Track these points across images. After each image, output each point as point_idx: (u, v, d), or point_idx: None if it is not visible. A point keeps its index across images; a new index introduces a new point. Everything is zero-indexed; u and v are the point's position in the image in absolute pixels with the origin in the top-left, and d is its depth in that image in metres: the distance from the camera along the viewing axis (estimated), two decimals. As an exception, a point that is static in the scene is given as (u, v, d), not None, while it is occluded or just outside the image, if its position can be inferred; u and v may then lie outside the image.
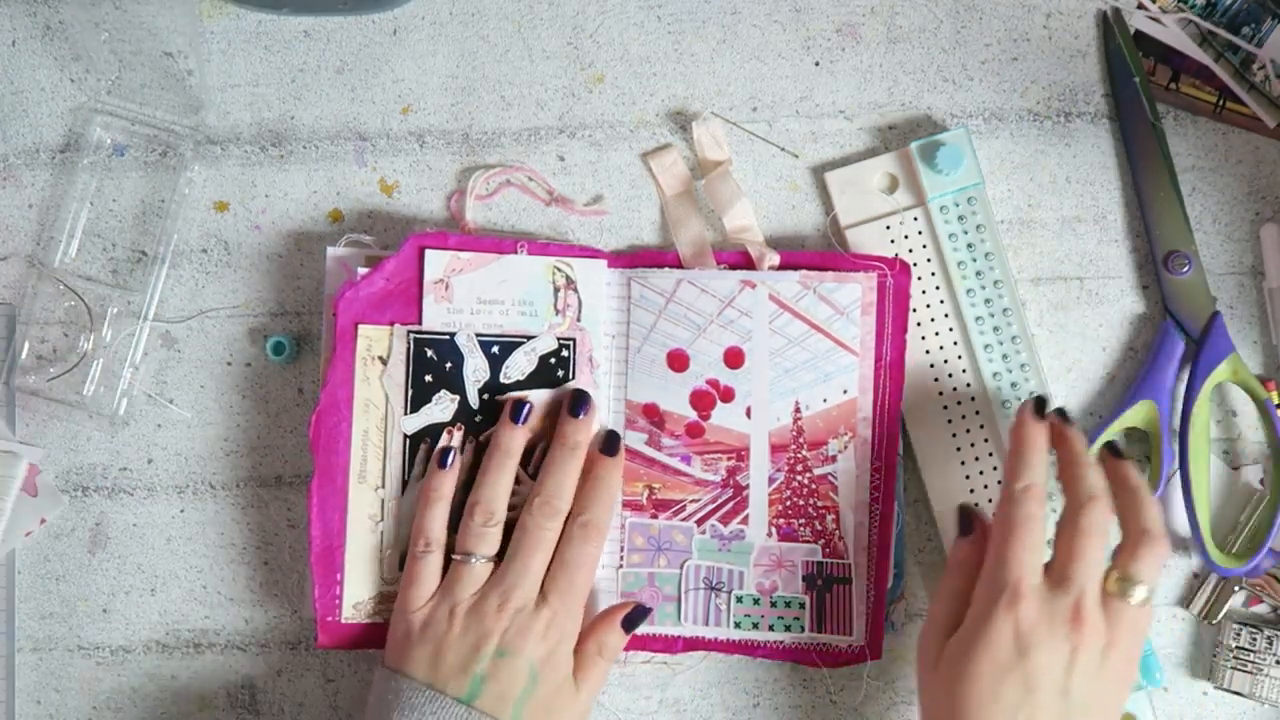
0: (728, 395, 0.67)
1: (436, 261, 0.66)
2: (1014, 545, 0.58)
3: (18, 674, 0.70)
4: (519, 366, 0.67)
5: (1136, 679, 0.64)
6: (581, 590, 0.63)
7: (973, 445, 0.68)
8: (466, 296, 0.66)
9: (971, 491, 0.68)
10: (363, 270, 0.66)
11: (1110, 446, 0.63)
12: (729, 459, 0.67)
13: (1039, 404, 0.63)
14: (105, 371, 0.70)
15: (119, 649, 0.70)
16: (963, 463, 0.68)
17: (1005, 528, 0.59)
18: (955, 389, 0.69)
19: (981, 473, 0.68)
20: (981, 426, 0.68)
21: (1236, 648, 0.68)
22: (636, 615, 0.65)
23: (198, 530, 0.70)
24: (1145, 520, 0.59)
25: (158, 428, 0.71)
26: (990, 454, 0.68)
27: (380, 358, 0.66)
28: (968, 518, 0.63)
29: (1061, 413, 0.63)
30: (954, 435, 0.68)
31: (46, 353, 0.70)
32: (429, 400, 0.66)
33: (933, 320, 0.69)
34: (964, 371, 0.68)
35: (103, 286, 0.70)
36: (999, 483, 0.68)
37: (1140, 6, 0.70)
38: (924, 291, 0.69)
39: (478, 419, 0.67)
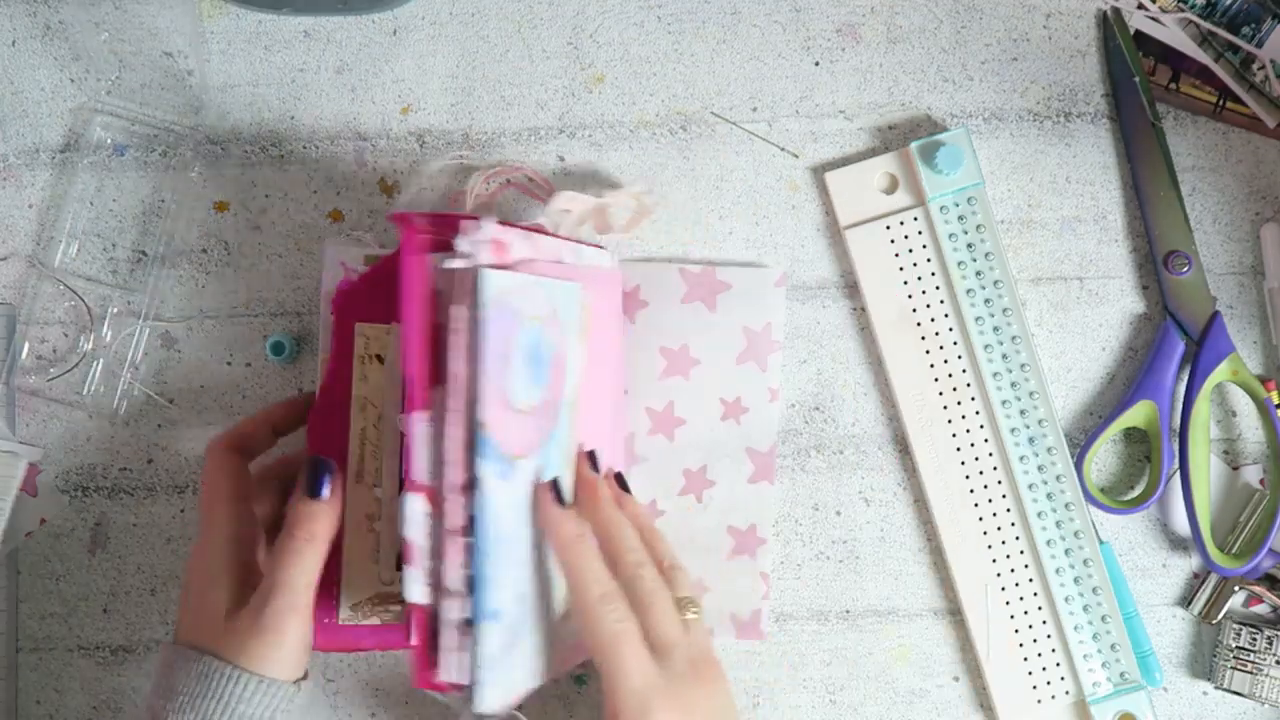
0: None
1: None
2: (627, 659, 0.56)
3: (18, 674, 0.70)
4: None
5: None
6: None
7: (972, 445, 0.68)
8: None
9: (971, 492, 0.68)
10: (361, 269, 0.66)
11: (619, 477, 0.64)
12: None
13: (556, 488, 0.59)
14: (105, 371, 0.70)
15: (119, 649, 0.70)
16: (962, 463, 0.68)
17: (605, 643, 0.56)
18: (955, 389, 0.68)
19: (981, 473, 0.68)
20: (981, 427, 0.68)
21: (1236, 648, 0.68)
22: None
23: (197, 530, 0.70)
24: (660, 551, 0.61)
25: (158, 428, 0.71)
26: (990, 454, 0.68)
27: (378, 356, 0.66)
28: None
29: (592, 457, 0.62)
30: (954, 435, 0.68)
31: (46, 353, 0.70)
32: None
33: (933, 320, 0.69)
34: (964, 372, 0.68)
35: (103, 286, 0.70)
36: (999, 482, 0.68)
37: (1140, 6, 0.70)
38: (924, 291, 0.69)
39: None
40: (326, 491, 0.60)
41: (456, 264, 0.56)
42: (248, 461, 0.63)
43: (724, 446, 0.69)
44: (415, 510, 0.56)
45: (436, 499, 0.56)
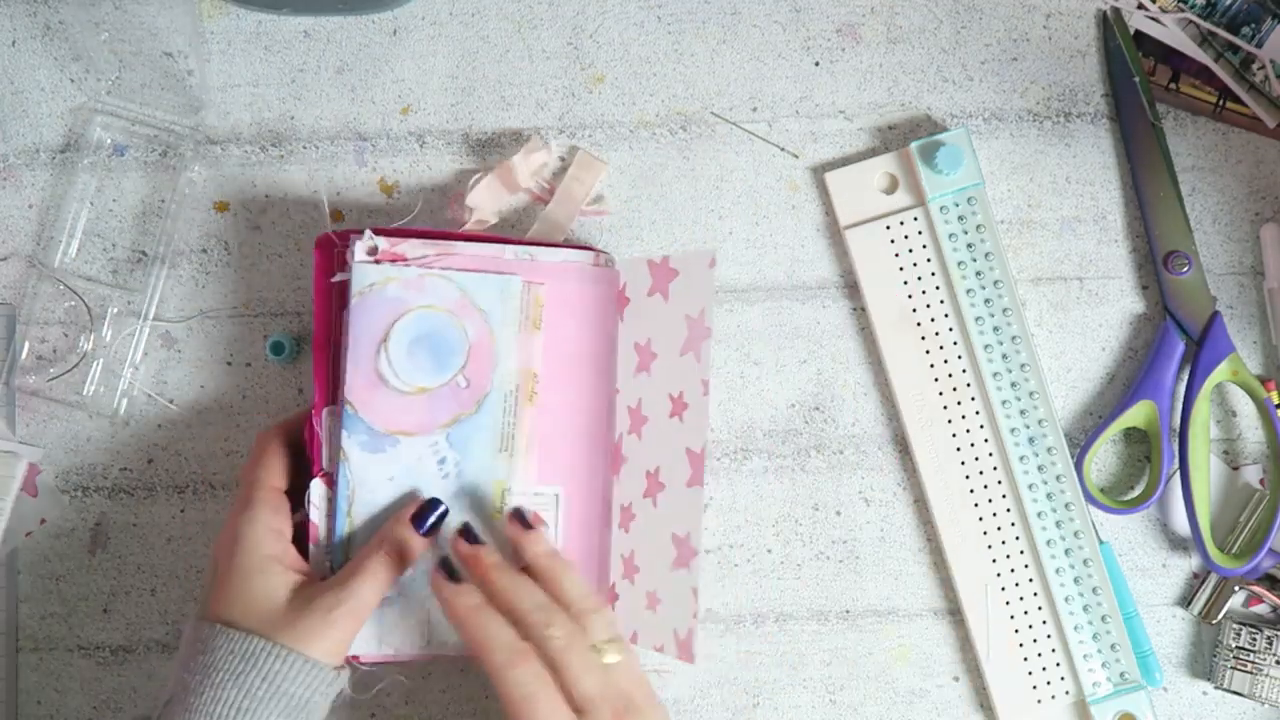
0: None
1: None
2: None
3: (18, 674, 0.70)
4: None
5: (662, 705, 0.61)
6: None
7: (973, 445, 0.68)
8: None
9: (971, 492, 0.68)
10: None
11: (518, 515, 0.63)
12: None
13: (447, 564, 0.61)
14: (105, 371, 0.70)
15: (119, 649, 0.70)
16: (963, 463, 0.68)
17: (516, 709, 0.57)
18: (955, 389, 0.68)
19: (981, 473, 0.68)
20: (981, 427, 0.68)
21: (1236, 648, 0.68)
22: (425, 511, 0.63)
23: (198, 530, 0.70)
24: (571, 595, 0.60)
25: (158, 428, 0.71)
26: (990, 454, 0.68)
27: None
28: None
29: (466, 531, 0.62)
30: (954, 435, 0.68)
31: (46, 353, 0.70)
32: None
33: (933, 320, 0.69)
34: (964, 372, 0.68)
35: (103, 286, 0.70)
36: (999, 482, 0.68)
37: (1140, 6, 0.70)
38: (924, 291, 0.69)
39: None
40: (428, 530, 0.63)
41: (341, 277, 0.64)
42: (292, 453, 0.65)
43: (671, 446, 0.65)
44: (318, 494, 0.64)
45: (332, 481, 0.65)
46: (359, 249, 0.64)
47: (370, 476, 0.64)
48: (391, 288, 0.64)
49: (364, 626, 0.62)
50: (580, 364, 0.66)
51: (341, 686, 0.61)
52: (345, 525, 0.64)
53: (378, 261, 0.64)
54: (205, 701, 0.58)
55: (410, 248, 0.65)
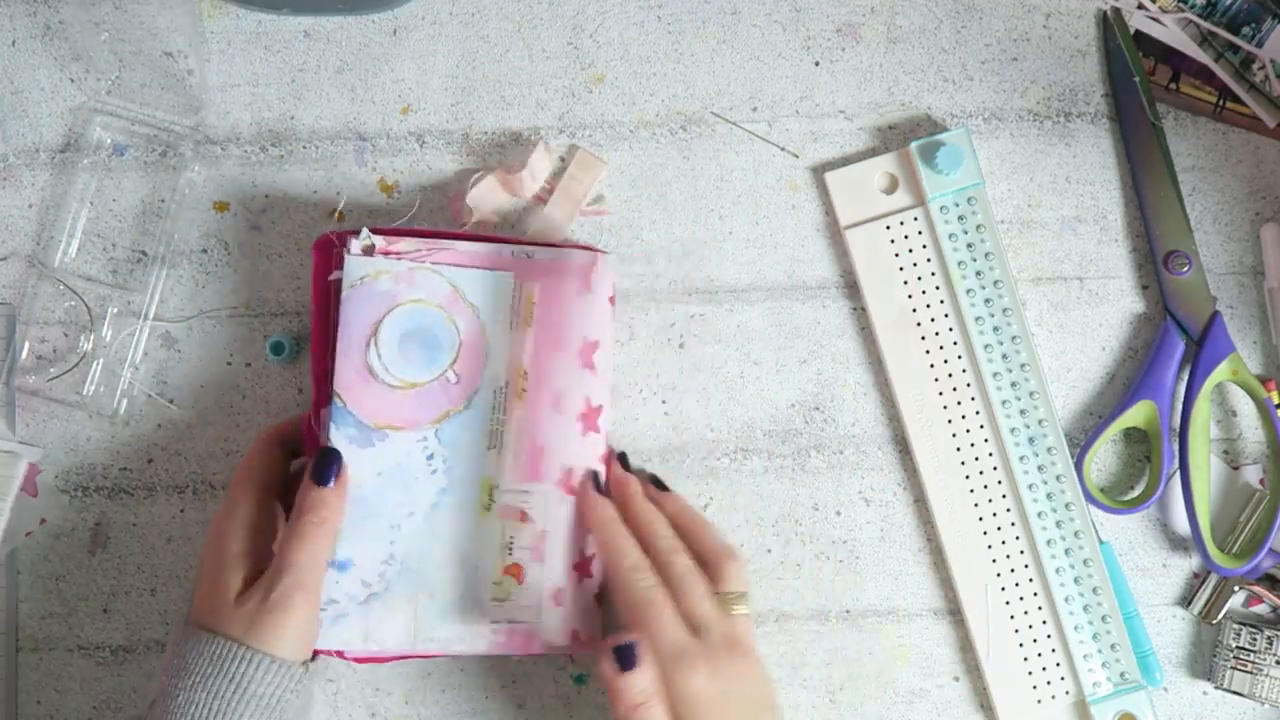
0: None
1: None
2: (661, 618, 0.60)
3: (18, 674, 0.70)
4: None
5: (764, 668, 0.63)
6: None
7: (973, 445, 0.68)
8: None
9: (971, 492, 0.68)
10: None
11: (655, 482, 0.68)
12: None
13: (596, 479, 0.65)
14: (105, 371, 0.70)
15: (119, 649, 0.70)
16: (962, 463, 0.68)
17: (640, 608, 0.60)
18: (955, 389, 0.68)
19: (981, 473, 0.68)
20: (982, 427, 0.68)
21: (1236, 648, 0.68)
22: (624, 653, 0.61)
23: (198, 530, 0.70)
24: (713, 542, 0.64)
25: (158, 428, 0.71)
26: (990, 454, 0.68)
27: None
28: (629, 654, 0.60)
29: (623, 459, 0.68)
30: (954, 435, 0.68)
31: (46, 353, 0.70)
32: None
33: (933, 320, 0.69)
34: (964, 372, 0.68)
35: (103, 286, 0.70)
36: (999, 482, 0.68)
37: (1140, 6, 0.70)
38: (924, 291, 0.69)
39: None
40: (333, 480, 0.62)
41: (337, 275, 0.65)
42: (290, 457, 0.66)
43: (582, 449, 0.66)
44: None
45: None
46: (355, 246, 0.64)
47: (358, 471, 0.64)
48: (382, 281, 0.64)
49: (350, 622, 0.63)
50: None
51: (306, 680, 0.60)
52: None
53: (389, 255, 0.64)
54: (180, 705, 0.58)
55: (407, 245, 0.65)
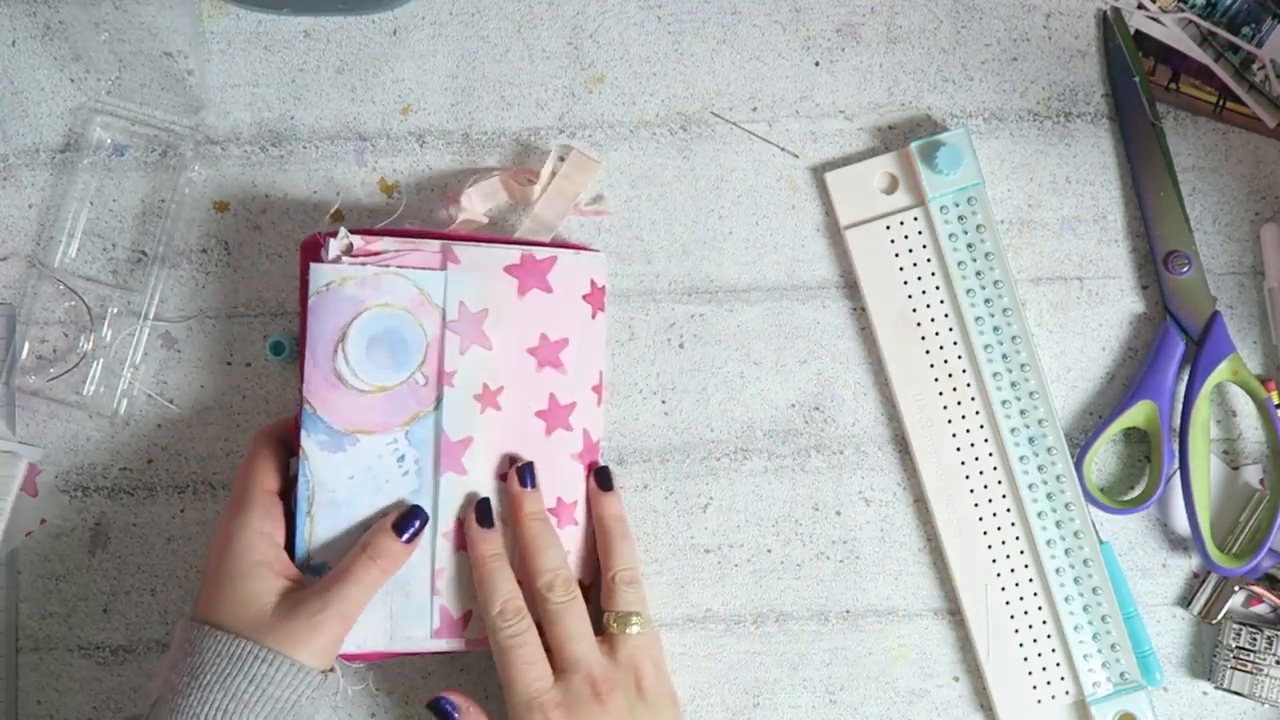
0: None
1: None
2: (515, 668, 0.61)
3: (18, 674, 0.70)
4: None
5: (673, 690, 0.65)
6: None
7: (973, 445, 0.68)
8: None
9: (971, 492, 0.68)
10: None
11: (600, 476, 0.67)
12: None
13: (481, 511, 0.64)
14: (105, 371, 0.70)
15: (119, 649, 0.70)
16: (963, 463, 0.68)
17: (500, 655, 0.62)
18: (955, 389, 0.69)
19: (981, 473, 0.68)
20: (981, 427, 0.68)
21: (1236, 648, 0.68)
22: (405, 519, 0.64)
23: (198, 530, 0.70)
24: (618, 563, 0.65)
25: (158, 428, 0.71)
26: (990, 454, 0.68)
27: None
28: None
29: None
30: (954, 435, 0.68)
31: (46, 353, 0.70)
32: None
33: (933, 321, 0.69)
34: (964, 372, 0.68)
35: (103, 286, 0.70)
36: (999, 482, 0.68)
37: (1140, 6, 0.70)
38: (924, 291, 0.69)
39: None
40: (410, 538, 0.63)
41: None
42: (289, 455, 0.66)
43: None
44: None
45: None
46: (334, 247, 0.64)
47: (330, 476, 0.64)
48: (349, 287, 0.64)
49: (375, 621, 0.63)
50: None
51: (334, 690, 0.61)
52: (305, 524, 0.64)
53: (353, 261, 0.64)
54: (191, 703, 0.58)
55: (385, 246, 0.65)
